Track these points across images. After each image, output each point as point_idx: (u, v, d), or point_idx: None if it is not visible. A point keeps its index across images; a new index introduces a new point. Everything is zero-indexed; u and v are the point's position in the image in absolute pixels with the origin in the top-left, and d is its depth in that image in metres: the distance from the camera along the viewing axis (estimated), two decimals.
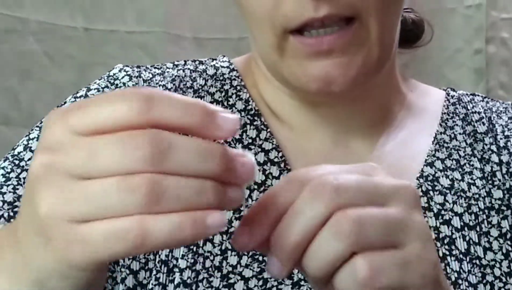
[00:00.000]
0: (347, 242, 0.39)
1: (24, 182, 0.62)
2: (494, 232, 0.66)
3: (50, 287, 0.39)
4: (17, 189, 0.62)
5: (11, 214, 0.60)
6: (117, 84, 0.67)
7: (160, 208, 0.34)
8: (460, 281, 0.64)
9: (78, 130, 0.35)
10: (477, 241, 0.67)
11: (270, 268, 0.40)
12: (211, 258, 0.60)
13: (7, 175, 0.63)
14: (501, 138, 0.72)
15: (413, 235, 0.41)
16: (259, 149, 0.68)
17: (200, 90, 0.70)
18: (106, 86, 0.67)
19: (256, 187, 0.68)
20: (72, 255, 0.36)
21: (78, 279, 0.38)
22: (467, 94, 0.75)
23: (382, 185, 0.42)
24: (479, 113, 0.74)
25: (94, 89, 0.67)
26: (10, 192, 0.62)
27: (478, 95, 0.75)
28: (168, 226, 0.34)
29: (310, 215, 0.40)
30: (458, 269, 0.64)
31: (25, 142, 0.65)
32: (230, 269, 0.61)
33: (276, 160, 0.68)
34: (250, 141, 0.71)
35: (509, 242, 0.67)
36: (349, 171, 0.43)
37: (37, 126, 0.67)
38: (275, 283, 0.61)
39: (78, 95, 0.68)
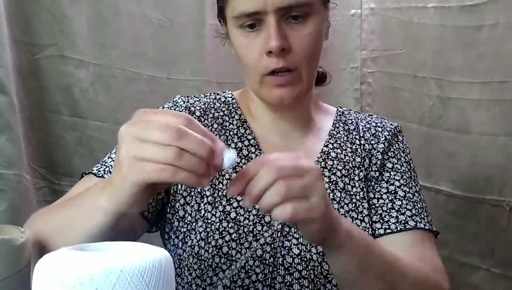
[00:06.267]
0: (281, 197, 0.51)
1: None
2: (356, 178, 0.80)
3: (123, 195, 0.53)
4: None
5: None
6: (176, 105, 0.83)
7: (179, 163, 0.48)
8: (341, 203, 0.78)
9: (146, 119, 0.48)
10: (348, 182, 0.80)
11: (245, 203, 0.54)
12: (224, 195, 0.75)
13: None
14: (361, 132, 0.85)
15: (316, 192, 0.53)
16: (246, 139, 0.79)
17: (218, 109, 0.84)
18: (171, 106, 0.84)
19: (244, 158, 0.77)
20: (132, 177, 0.50)
21: (135, 191, 0.52)
22: (347, 110, 0.91)
23: (303, 165, 0.53)
24: (351, 119, 0.88)
25: (166, 107, 0.83)
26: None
27: (352, 110, 0.91)
28: (185, 175, 0.49)
29: (265, 181, 0.51)
30: (339, 196, 0.78)
31: None
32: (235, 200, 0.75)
33: (253, 144, 0.80)
34: (241, 134, 0.80)
35: (363, 183, 0.80)
36: (286, 157, 0.53)
37: None
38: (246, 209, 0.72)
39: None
